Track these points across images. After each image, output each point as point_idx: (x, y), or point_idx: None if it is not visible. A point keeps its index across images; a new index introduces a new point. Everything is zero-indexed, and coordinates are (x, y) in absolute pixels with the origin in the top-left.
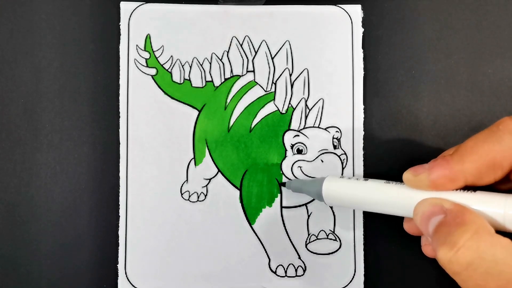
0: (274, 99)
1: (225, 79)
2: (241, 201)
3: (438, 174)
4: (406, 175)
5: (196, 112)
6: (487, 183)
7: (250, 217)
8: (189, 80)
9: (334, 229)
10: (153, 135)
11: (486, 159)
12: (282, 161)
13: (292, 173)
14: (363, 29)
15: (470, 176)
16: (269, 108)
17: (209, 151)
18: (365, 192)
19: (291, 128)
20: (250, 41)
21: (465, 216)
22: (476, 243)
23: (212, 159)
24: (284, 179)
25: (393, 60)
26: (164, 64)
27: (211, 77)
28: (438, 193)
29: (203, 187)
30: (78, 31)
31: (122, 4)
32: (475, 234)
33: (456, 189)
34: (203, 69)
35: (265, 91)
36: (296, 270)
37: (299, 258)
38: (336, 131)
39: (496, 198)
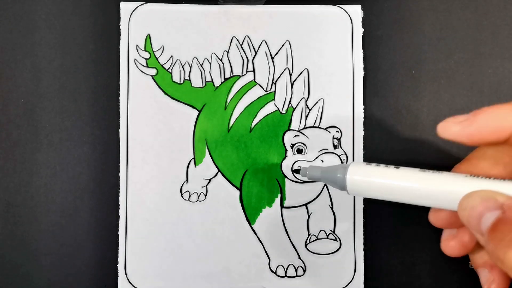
0: (274, 99)
1: (225, 79)
2: (241, 201)
3: (484, 121)
4: (442, 124)
5: (196, 112)
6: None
7: (250, 217)
8: (189, 80)
9: (334, 229)
10: (153, 135)
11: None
12: (282, 161)
13: (292, 173)
14: (363, 29)
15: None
16: (269, 108)
17: (209, 151)
18: (399, 180)
19: (291, 128)
20: (250, 41)
21: None
22: None
23: (212, 159)
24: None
25: (393, 60)
26: (164, 64)
27: (211, 77)
28: (490, 182)
29: (203, 187)
30: (78, 31)
31: (122, 4)
32: None
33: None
34: (203, 69)
35: (265, 91)
36: (296, 270)
37: (299, 258)
38: (336, 131)
39: None
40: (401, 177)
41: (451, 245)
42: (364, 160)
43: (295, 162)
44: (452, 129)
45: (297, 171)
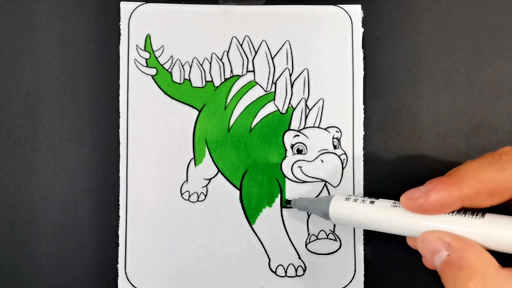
0: (274, 99)
1: (225, 79)
2: (241, 201)
3: (435, 198)
4: (403, 199)
5: (196, 112)
6: (483, 207)
7: (250, 217)
8: (189, 80)
9: (334, 229)
10: (153, 135)
11: (486, 186)
12: (282, 161)
13: (292, 173)
14: (363, 29)
15: (467, 199)
16: (269, 108)
17: (209, 151)
18: (371, 215)
19: (291, 128)
20: (250, 41)
21: (469, 255)
22: (483, 286)
23: (212, 159)
24: (288, 196)
25: (393, 60)
26: (164, 64)
27: (211, 77)
28: (439, 217)
29: (203, 187)
30: (78, 31)
31: (122, 4)
32: (482, 278)
33: (462, 213)
34: (203, 69)
35: (265, 91)
36: (296, 270)
37: (299, 258)
38: (336, 131)
39: (505, 221)
40: (374, 212)
41: (429, 264)
42: (364, 160)
43: (295, 162)
44: (410, 204)
45: (288, 202)
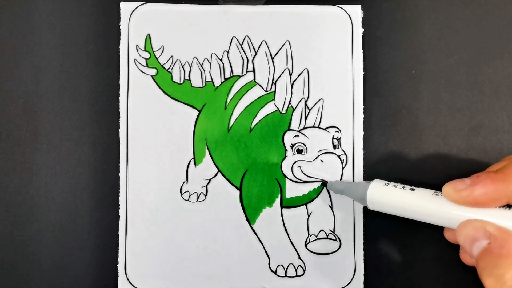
0: (274, 99)
1: (225, 79)
2: (241, 201)
3: (481, 192)
4: (447, 189)
5: (196, 112)
6: None
7: (250, 217)
8: (189, 80)
9: (334, 229)
10: (153, 135)
11: None
12: (282, 161)
13: (292, 173)
14: (363, 29)
15: None
16: (269, 108)
17: (209, 151)
18: (411, 202)
19: (291, 128)
20: (250, 41)
21: (511, 245)
22: None
23: (212, 159)
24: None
25: (393, 60)
26: (164, 64)
27: (211, 77)
28: (483, 210)
29: (203, 187)
30: (78, 31)
31: (122, 4)
32: None
33: (505, 207)
34: (203, 69)
35: (265, 91)
36: (296, 270)
37: (299, 258)
38: (336, 131)
39: None
40: (415, 199)
41: (468, 257)
42: (364, 160)
43: (295, 162)
44: (453, 195)
45: (324, 184)
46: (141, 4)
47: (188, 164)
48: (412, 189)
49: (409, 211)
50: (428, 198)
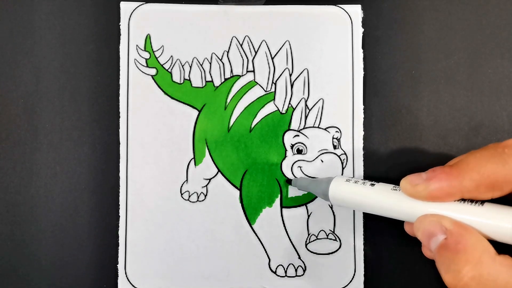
0: (274, 99)
1: (225, 79)
2: (241, 201)
3: (435, 187)
4: (403, 183)
5: (196, 112)
6: (484, 199)
7: (250, 217)
8: (189, 80)
9: (334, 229)
10: (153, 135)
11: (487, 179)
12: (282, 161)
13: (292, 173)
14: (363, 29)
15: (467, 192)
16: (269, 108)
17: (209, 151)
18: (370, 197)
19: (291, 128)
20: (250, 41)
21: (466, 240)
22: (478, 272)
23: (212, 159)
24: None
25: (393, 60)
26: (164, 64)
27: (211, 77)
28: (440, 204)
29: (203, 187)
30: (78, 31)
31: (122, 4)
32: (478, 263)
33: (461, 200)
34: (203, 69)
35: (265, 91)
36: (296, 270)
37: (299, 258)
38: (336, 131)
39: (504, 211)
40: (373, 194)
41: (428, 251)
42: (364, 160)
43: (295, 162)
44: (409, 190)
45: (289, 181)
46: (141, 4)
47: (188, 164)
48: (372, 184)
49: (369, 206)
50: (387, 193)
